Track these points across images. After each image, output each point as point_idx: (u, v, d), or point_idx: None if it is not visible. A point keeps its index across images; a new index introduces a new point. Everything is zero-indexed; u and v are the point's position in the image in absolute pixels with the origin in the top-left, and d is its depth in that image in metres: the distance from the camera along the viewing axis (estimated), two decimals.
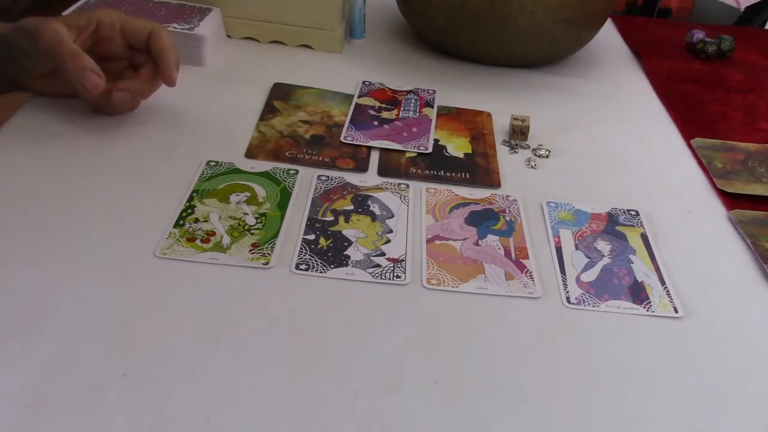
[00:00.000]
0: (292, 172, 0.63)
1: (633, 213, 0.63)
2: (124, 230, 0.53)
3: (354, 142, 0.68)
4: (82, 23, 0.62)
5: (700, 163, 0.72)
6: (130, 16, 0.65)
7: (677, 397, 0.45)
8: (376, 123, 0.72)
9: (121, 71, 0.66)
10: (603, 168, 0.70)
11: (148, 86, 0.65)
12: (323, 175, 0.63)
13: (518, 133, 0.72)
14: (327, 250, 0.54)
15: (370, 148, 0.68)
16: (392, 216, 0.59)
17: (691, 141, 0.76)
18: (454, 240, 0.57)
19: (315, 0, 0.82)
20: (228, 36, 0.85)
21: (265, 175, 0.62)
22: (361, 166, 0.65)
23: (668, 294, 0.54)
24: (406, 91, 0.79)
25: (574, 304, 0.52)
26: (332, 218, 0.57)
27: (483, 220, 0.60)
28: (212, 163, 0.62)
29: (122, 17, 0.64)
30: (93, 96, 0.61)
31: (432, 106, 0.76)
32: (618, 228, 0.61)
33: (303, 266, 0.52)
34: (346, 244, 0.55)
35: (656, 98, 0.86)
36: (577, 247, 0.58)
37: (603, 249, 0.58)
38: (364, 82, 0.80)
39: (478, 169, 0.67)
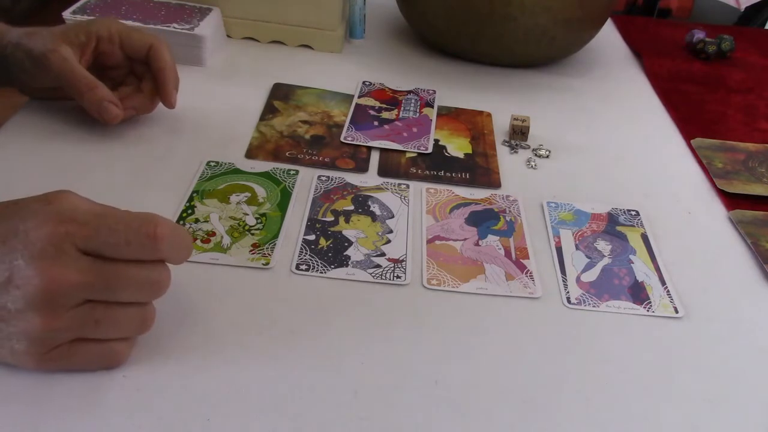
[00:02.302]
0: (292, 172, 0.63)
1: (633, 213, 0.63)
2: None
3: (354, 142, 0.68)
4: (83, 40, 0.61)
5: (700, 163, 0.72)
6: (128, 27, 0.64)
7: (677, 397, 0.45)
8: (376, 123, 0.72)
9: (123, 78, 0.66)
10: (603, 168, 0.70)
11: (151, 102, 0.65)
12: (323, 176, 0.63)
13: (518, 133, 0.72)
14: (327, 250, 0.54)
15: (370, 148, 0.68)
16: (392, 216, 0.59)
17: (691, 141, 0.76)
18: (455, 240, 0.57)
19: (315, 0, 0.82)
20: (228, 36, 0.85)
21: (265, 175, 0.62)
22: (361, 167, 0.65)
23: (668, 294, 0.54)
24: (406, 91, 0.79)
25: (574, 304, 0.52)
26: (332, 218, 0.57)
27: (483, 220, 0.60)
28: (212, 164, 0.62)
29: (120, 30, 0.63)
30: (111, 124, 0.61)
31: (432, 106, 0.76)
32: (618, 228, 0.61)
33: (303, 266, 0.52)
34: (346, 244, 0.55)
35: (656, 98, 0.86)
36: (577, 247, 0.58)
37: (603, 249, 0.58)
38: (364, 82, 0.80)
39: (478, 169, 0.67)
